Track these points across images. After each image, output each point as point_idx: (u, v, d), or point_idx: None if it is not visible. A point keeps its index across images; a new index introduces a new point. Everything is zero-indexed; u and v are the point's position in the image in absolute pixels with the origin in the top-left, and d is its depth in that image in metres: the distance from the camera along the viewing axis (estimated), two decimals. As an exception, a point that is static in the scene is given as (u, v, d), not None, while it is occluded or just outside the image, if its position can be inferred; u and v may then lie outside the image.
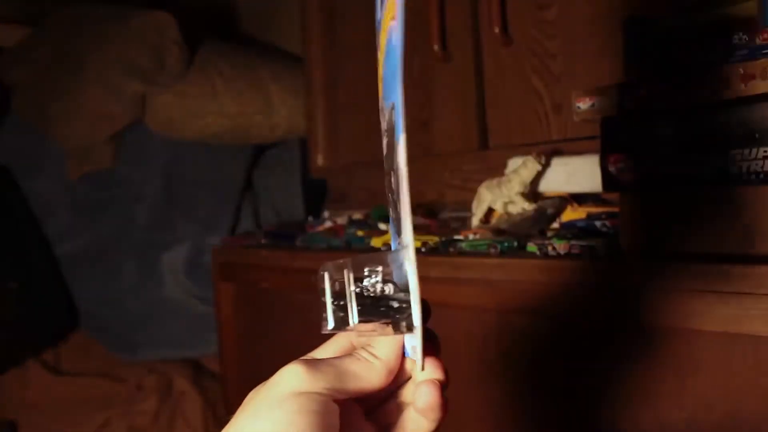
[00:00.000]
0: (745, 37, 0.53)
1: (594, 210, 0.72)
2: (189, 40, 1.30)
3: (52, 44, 1.31)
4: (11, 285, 1.23)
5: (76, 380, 1.32)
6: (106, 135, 1.28)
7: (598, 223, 0.69)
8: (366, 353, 0.33)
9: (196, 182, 1.38)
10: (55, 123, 1.27)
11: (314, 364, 0.31)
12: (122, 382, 1.32)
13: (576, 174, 0.78)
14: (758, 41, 0.52)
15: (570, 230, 0.70)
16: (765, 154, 0.50)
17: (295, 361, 0.31)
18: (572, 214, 0.74)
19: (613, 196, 0.73)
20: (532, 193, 0.80)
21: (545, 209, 0.76)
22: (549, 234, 0.71)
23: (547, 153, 0.80)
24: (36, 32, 1.38)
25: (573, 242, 0.62)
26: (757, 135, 0.51)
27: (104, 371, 1.34)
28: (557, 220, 0.76)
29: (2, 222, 1.26)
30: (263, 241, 1.10)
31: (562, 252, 0.63)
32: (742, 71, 0.51)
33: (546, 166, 0.79)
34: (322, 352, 0.35)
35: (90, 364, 1.36)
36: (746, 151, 0.51)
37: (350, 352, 0.33)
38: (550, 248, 0.64)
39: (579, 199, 0.77)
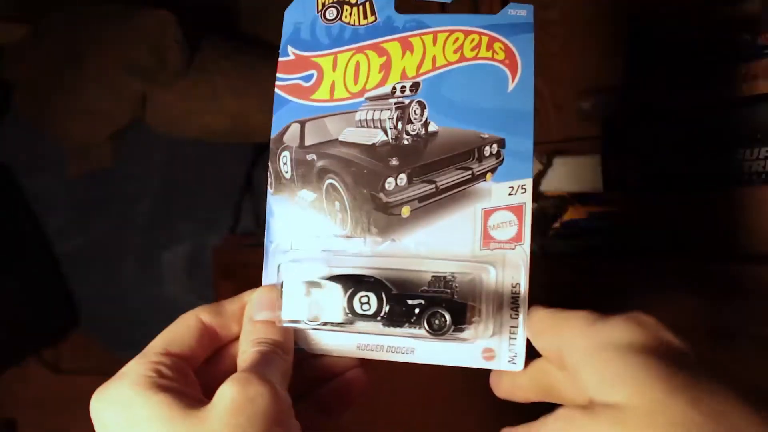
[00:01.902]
0: (747, 37, 0.53)
1: (595, 210, 0.72)
2: (190, 38, 1.30)
3: (52, 42, 1.31)
4: (11, 284, 1.23)
5: (76, 379, 1.32)
6: (106, 133, 1.28)
7: (599, 223, 0.69)
8: None
9: (196, 181, 1.38)
10: (56, 121, 1.27)
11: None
12: (122, 380, 1.32)
13: (577, 174, 0.78)
14: (760, 41, 0.52)
15: (571, 230, 0.70)
16: (766, 154, 0.50)
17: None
18: (573, 213, 0.74)
19: (615, 196, 0.73)
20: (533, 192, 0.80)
21: (546, 209, 0.76)
22: (550, 233, 0.71)
23: (548, 153, 0.80)
24: (36, 30, 1.37)
25: (574, 242, 0.63)
26: (758, 135, 0.51)
27: (104, 370, 1.33)
28: (558, 219, 0.76)
29: (2, 220, 1.26)
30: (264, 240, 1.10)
31: (563, 251, 0.63)
32: (744, 71, 0.51)
33: (547, 165, 0.79)
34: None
35: (90, 362, 1.36)
36: (747, 152, 0.51)
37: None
38: (551, 248, 0.64)
39: (580, 198, 0.77)
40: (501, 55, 0.32)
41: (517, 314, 0.31)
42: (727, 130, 0.53)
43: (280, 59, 0.35)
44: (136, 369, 0.29)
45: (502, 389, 0.33)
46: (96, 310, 1.36)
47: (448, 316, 0.30)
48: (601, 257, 0.60)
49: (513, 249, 0.32)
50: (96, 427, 0.28)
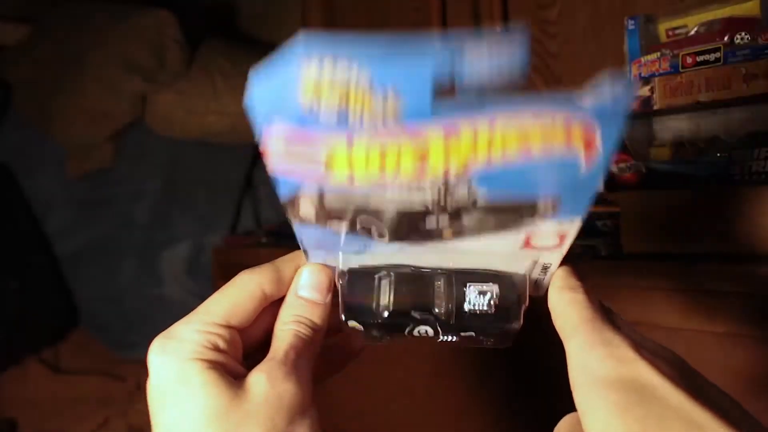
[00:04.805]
0: (747, 36, 0.53)
1: (595, 210, 0.72)
2: (190, 38, 1.30)
3: (52, 42, 1.31)
4: (11, 284, 1.23)
5: (76, 378, 1.32)
6: (106, 133, 1.28)
7: (598, 223, 0.69)
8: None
9: (196, 181, 1.38)
10: (56, 121, 1.27)
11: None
12: (121, 380, 1.33)
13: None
14: (760, 41, 0.52)
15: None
16: (766, 154, 0.50)
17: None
18: (573, 213, 0.74)
19: (615, 196, 0.73)
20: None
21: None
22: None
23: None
24: (37, 30, 1.38)
25: (574, 242, 0.62)
26: (758, 135, 0.51)
27: (104, 370, 1.34)
28: (558, 219, 0.76)
29: (2, 220, 1.26)
30: (264, 240, 1.10)
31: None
32: (744, 71, 0.51)
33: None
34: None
35: (89, 362, 1.36)
36: (747, 151, 0.51)
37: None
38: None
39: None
40: (579, 144, 0.28)
41: (545, 275, 0.34)
42: (726, 129, 0.53)
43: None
44: (196, 338, 0.30)
45: None
46: (96, 309, 1.37)
47: (493, 341, 0.35)
48: (601, 257, 0.60)
49: (551, 251, 0.33)
50: (150, 370, 0.30)
